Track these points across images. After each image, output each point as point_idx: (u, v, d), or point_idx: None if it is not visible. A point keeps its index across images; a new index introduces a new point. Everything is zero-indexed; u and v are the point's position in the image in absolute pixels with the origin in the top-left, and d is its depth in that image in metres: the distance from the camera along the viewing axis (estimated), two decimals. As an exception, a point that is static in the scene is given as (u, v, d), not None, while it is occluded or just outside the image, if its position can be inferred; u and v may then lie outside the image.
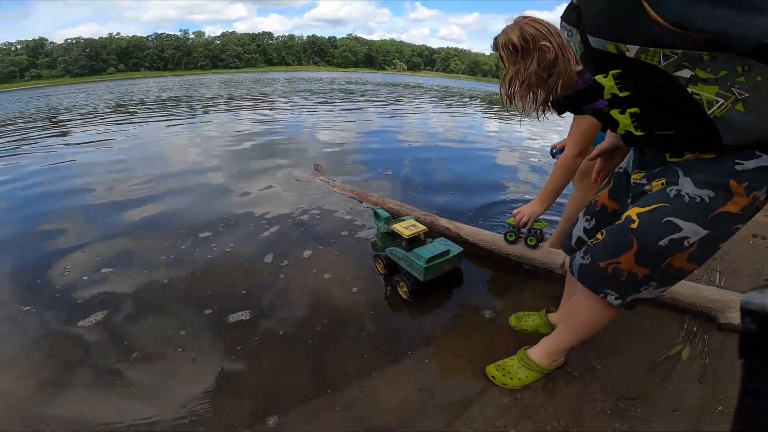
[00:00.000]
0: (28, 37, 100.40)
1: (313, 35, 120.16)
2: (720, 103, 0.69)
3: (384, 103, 10.14)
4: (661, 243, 0.82)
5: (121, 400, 1.14)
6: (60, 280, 1.74)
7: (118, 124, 6.61)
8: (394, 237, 1.63)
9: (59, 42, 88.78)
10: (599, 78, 0.79)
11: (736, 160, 0.73)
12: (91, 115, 8.35)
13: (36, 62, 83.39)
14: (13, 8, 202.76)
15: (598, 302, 0.97)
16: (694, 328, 1.41)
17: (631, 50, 0.71)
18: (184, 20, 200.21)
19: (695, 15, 0.61)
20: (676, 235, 0.80)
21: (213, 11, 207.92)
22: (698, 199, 0.78)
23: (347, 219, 2.32)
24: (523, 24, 1.34)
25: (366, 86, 18.58)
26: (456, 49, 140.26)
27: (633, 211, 0.87)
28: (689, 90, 0.70)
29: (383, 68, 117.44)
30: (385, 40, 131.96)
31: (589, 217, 1.10)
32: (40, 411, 1.11)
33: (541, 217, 1.63)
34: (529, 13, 1.42)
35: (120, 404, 1.13)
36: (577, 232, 1.13)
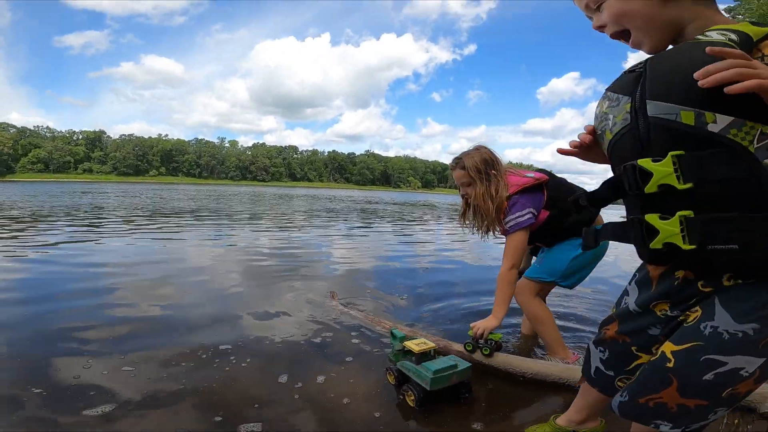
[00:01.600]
0: (89, 127, 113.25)
1: (334, 151, 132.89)
2: None
3: (397, 222, 10.69)
4: (706, 378, 0.73)
5: None
6: (81, 371, 1.86)
7: (152, 231, 7.19)
8: (406, 353, 1.79)
9: (114, 137, 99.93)
10: (645, 162, 0.64)
11: None
12: (128, 220, 9.12)
13: (91, 155, 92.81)
14: (82, 95, 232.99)
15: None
16: (735, 420, 1.47)
17: (720, 122, 0.57)
18: (222, 127, 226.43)
19: None
20: (721, 369, 0.71)
21: (247, 121, 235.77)
22: (740, 335, 0.68)
23: (358, 342, 2.40)
24: (483, 151, 1.87)
25: (382, 205, 19.42)
26: None
27: (667, 348, 0.79)
28: None
29: (398, 186, 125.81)
30: (399, 157, 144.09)
31: (602, 348, 1.04)
32: None
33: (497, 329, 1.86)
34: (483, 144, 1.97)
35: None
36: (594, 362, 1.06)
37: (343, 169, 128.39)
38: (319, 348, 2.31)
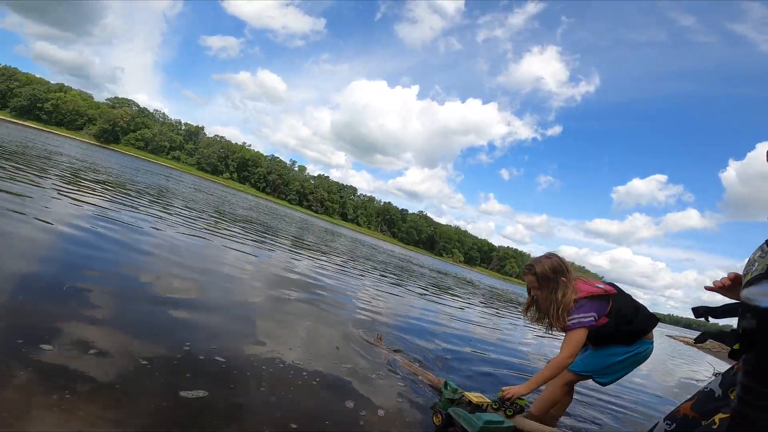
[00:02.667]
0: (193, 121, 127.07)
1: (389, 203, 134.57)
2: None
3: (432, 289, 10.31)
4: None
5: None
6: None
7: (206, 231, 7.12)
8: (454, 403, 1.96)
9: (210, 135, 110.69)
10: None
11: None
12: (195, 214, 9.57)
13: (184, 146, 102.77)
14: (201, 93, 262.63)
15: None
16: None
17: None
18: (297, 151, 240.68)
19: None
20: None
21: (321, 151, 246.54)
22: None
23: (403, 385, 2.50)
24: (554, 259, 2.15)
25: (421, 269, 18.74)
26: (515, 251, 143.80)
27: (717, 416, 1.03)
28: None
29: (441, 255, 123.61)
30: (450, 226, 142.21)
31: (670, 422, 1.30)
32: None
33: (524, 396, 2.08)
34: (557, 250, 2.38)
35: None
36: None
37: (392, 223, 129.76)
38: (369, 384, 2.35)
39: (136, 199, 8.30)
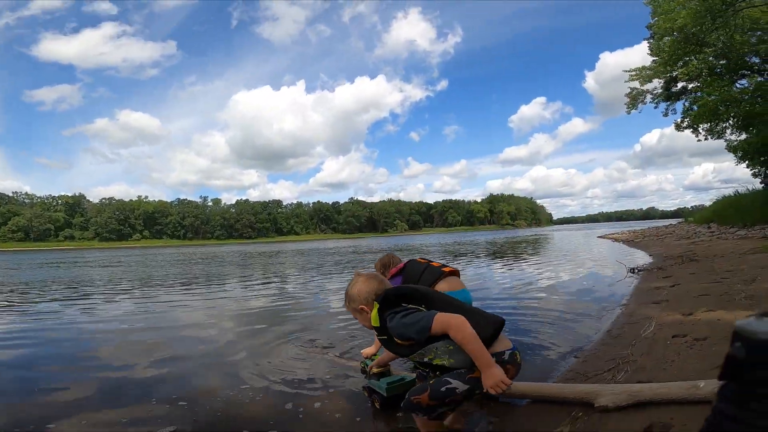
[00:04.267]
0: (67, 191, 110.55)
1: (318, 201, 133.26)
2: None
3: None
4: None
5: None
6: None
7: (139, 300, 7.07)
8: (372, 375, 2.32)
9: (95, 201, 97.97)
10: None
11: None
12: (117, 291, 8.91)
13: (71, 221, 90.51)
14: (58, 156, 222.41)
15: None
16: (580, 414, 1.93)
17: None
18: (203, 185, 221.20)
19: None
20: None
21: (228, 177, 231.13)
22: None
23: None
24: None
25: (371, 254, 18.54)
26: (451, 201, 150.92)
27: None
28: None
29: (386, 231, 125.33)
30: (384, 201, 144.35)
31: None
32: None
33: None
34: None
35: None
36: None
37: (328, 219, 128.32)
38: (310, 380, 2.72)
39: (48, 302, 6.87)
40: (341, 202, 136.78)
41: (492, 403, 2.28)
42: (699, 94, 14.28)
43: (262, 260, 18.03)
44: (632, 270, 6.72)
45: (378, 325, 1.63)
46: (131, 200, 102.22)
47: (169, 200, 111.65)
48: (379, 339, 1.72)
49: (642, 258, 8.29)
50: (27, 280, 11.44)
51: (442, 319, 1.53)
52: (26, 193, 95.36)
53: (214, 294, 7.35)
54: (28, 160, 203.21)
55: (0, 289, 8.93)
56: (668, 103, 16.65)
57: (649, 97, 16.80)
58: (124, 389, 2.61)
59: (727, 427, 0.45)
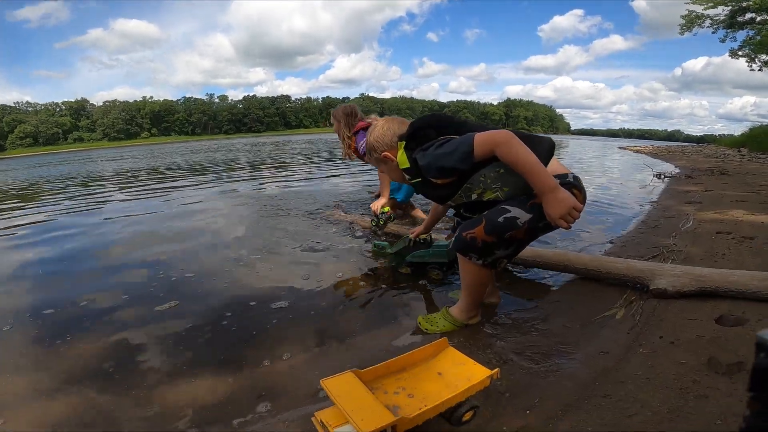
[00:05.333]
0: (70, 98, 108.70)
1: (328, 97, 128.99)
2: None
3: None
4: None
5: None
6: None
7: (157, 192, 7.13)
8: (402, 253, 2.03)
9: (98, 104, 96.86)
10: None
11: None
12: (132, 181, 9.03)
13: (78, 124, 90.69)
14: (55, 67, 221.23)
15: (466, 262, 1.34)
16: (633, 298, 1.65)
17: None
18: (209, 84, 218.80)
19: None
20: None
21: (235, 75, 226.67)
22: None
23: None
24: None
25: None
26: (465, 102, 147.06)
27: None
28: None
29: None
30: (396, 98, 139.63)
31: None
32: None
33: None
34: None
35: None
36: None
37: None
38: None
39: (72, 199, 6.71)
40: (352, 97, 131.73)
41: (524, 279, 1.98)
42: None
43: (270, 149, 17.81)
44: (659, 175, 6.01)
45: (408, 166, 1.32)
46: (136, 101, 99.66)
47: (174, 99, 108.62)
48: (412, 184, 1.39)
49: (669, 168, 7.44)
50: (44, 176, 11.39)
51: (484, 137, 1.16)
52: (28, 102, 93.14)
53: (222, 180, 7.15)
54: (26, 74, 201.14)
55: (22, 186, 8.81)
56: (728, 30, 15.67)
57: (708, 22, 15.79)
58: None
59: None
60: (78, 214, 4.42)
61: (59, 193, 6.57)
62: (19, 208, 5.19)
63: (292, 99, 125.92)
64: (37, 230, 3.66)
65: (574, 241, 2.66)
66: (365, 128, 2.68)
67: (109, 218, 4.03)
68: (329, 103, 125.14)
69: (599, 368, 1.23)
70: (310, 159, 11.25)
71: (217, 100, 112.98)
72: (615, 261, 1.78)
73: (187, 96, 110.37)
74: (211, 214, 3.85)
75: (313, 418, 0.98)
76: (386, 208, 2.63)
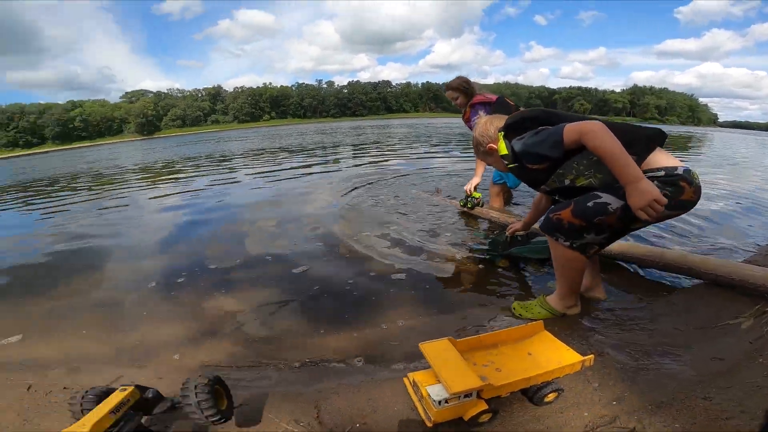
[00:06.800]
0: (208, 84, 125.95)
1: (427, 82, 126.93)
2: None
3: None
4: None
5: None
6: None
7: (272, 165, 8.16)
8: (499, 249, 2.20)
9: (230, 90, 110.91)
10: None
11: None
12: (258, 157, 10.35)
13: (215, 108, 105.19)
14: (195, 57, 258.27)
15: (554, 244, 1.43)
16: (767, 309, 1.53)
17: None
18: (317, 70, 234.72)
19: None
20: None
21: (340, 62, 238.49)
22: None
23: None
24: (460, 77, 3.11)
25: None
26: (580, 88, 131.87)
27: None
28: None
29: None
30: (499, 83, 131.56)
31: None
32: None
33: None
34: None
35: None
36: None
37: (438, 98, 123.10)
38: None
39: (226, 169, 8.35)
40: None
41: (638, 278, 1.93)
42: None
43: (374, 131, 18.63)
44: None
45: (506, 152, 1.43)
46: (258, 87, 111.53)
47: (289, 85, 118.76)
48: (510, 169, 1.50)
49: None
50: (187, 154, 13.82)
51: (573, 127, 1.25)
52: (177, 89, 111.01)
53: (329, 161, 7.83)
54: (173, 63, 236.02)
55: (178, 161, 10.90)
56: None
57: None
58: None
59: None
60: (219, 186, 5.46)
61: (205, 168, 8.03)
62: (173, 181, 6.57)
63: (393, 84, 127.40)
64: (189, 201, 4.63)
65: (703, 242, 2.46)
66: (481, 103, 2.90)
67: (247, 191, 4.89)
68: (428, 87, 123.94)
69: (708, 372, 1.22)
70: (410, 143, 11.54)
71: (324, 86, 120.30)
72: (751, 269, 1.66)
73: (300, 82, 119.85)
74: (322, 193, 4.40)
75: (405, 379, 1.10)
76: (477, 194, 2.99)
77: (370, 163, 7.24)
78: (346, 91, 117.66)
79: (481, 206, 3.01)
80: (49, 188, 7.38)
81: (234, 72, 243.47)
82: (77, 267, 2.65)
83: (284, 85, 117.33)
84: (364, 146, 11.26)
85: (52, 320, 1.90)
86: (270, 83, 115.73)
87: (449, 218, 3.10)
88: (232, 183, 5.84)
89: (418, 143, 11.27)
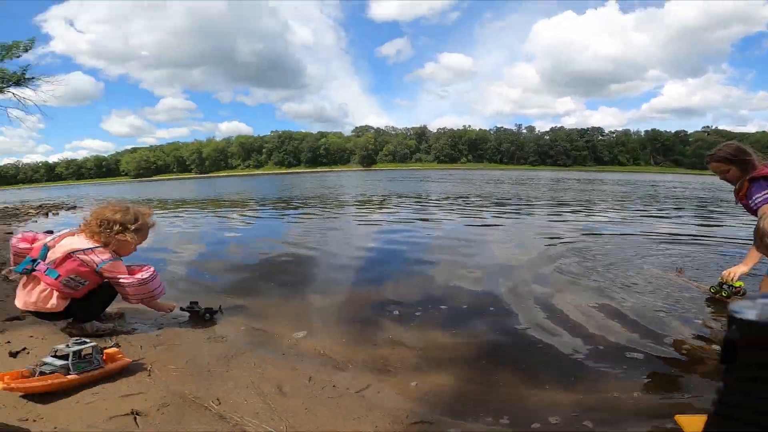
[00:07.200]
0: (415, 124, 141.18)
1: (654, 130, 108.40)
2: None
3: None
4: None
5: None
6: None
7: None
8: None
9: (433, 131, 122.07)
10: None
11: None
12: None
13: (420, 147, 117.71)
14: (407, 97, 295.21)
15: None
16: None
17: None
18: (517, 114, 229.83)
19: None
20: None
21: (541, 105, 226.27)
22: None
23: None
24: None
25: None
26: None
27: None
28: None
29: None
30: (766, 131, 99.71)
31: None
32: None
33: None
34: None
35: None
36: None
37: (669, 150, 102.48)
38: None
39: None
40: (690, 131, 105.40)
41: None
42: None
43: (580, 186, 17.11)
44: None
45: None
46: (458, 129, 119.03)
47: (487, 128, 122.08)
48: None
49: None
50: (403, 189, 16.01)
51: None
52: (392, 127, 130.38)
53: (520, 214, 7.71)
54: (390, 101, 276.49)
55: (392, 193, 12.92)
56: None
57: None
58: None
59: (732, 410, 0.45)
60: (412, 222, 6.14)
61: (403, 204, 9.17)
62: (377, 211, 7.76)
63: (605, 131, 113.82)
64: (391, 228, 5.36)
65: None
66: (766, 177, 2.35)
67: (433, 229, 5.35)
68: (654, 136, 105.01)
69: None
70: (625, 203, 10.07)
71: (524, 131, 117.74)
72: None
73: (498, 126, 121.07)
74: (526, 249, 4.32)
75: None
76: (740, 283, 2.47)
77: (575, 220, 6.73)
78: (547, 137, 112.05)
79: (741, 296, 2.42)
80: (299, 204, 9.87)
81: (438, 112, 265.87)
82: (329, 272, 3.52)
83: (482, 128, 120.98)
84: (567, 203, 10.54)
85: (328, 317, 2.52)
86: (469, 126, 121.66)
87: (690, 302, 2.60)
88: (434, 219, 6.51)
89: (639, 205, 9.74)
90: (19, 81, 16.38)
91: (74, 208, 12.50)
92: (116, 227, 2.05)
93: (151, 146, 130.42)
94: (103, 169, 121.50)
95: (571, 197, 11.94)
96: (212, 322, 2.33)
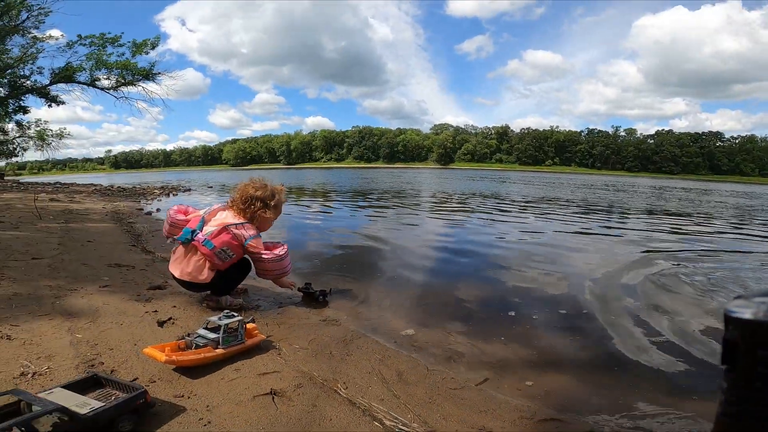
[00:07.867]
0: (497, 123, 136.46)
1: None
2: None
3: None
4: None
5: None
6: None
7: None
8: None
9: (516, 131, 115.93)
10: None
11: None
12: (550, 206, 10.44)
13: (501, 147, 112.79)
14: (488, 95, 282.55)
15: None
16: None
17: None
18: (614, 115, 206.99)
19: None
20: None
21: (645, 106, 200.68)
22: None
23: None
24: None
25: None
26: None
27: None
28: None
29: None
30: None
31: None
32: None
33: None
34: None
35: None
36: None
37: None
38: None
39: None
40: None
41: None
42: None
43: (690, 195, 15.06)
44: None
45: None
46: (544, 130, 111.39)
47: (577, 130, 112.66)
48: None
49: None
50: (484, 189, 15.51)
51: None
52: (472, 125, 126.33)
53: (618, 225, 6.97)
54: (470, 100, 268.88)
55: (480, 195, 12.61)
56: None
57: None
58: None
59: (733, 409, 0.45)
60: (504, 222, 5.83)
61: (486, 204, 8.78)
62: (458, 212, 7.49)
63: (725, 137, 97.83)
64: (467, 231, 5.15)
65: None
66: None
67: (527, 238, 5.02)
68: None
69: None
70: (745, 218, 8.51)
71: (623, 134, 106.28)
72: None
73: (590, 127, 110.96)
74: (620, 260, 3.81)
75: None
76: None
77: (690, 232, 5.89)
78: (651, 141, 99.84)
79: None
80: (375, 199, 10.03)
81: (521, 112, 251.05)
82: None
83: (572, 129, 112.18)
84: (677, 214, 9.30)
85: (436, 310, 2.53)
86: (556, 126, 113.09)
87: None
88: (521, 222, 6.16)
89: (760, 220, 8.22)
90: (148, 76, 19.00)
91: (189, 190, 14.25)
92: (258, 203, 2.20)
93: (247, 138, 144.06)
94: (208, 157, 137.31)
95: (692, 209, 10.46)
96: (324, 303, 2.46)
